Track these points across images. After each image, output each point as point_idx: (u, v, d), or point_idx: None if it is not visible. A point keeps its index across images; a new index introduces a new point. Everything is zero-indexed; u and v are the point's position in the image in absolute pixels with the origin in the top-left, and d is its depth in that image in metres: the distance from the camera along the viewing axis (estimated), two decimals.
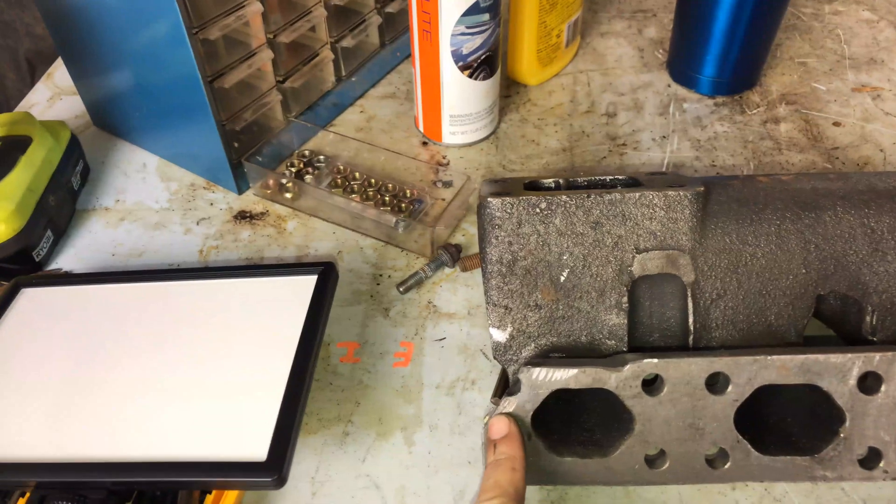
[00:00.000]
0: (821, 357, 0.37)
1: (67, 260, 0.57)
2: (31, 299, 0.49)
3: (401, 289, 0.53)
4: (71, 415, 0.41)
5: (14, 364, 0.45)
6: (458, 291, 0.53)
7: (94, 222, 0.60)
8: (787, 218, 0.42)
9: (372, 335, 0.50)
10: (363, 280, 0.54)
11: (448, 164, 0.64)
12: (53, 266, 0.56)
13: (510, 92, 0.71)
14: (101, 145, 0.67)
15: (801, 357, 0.37)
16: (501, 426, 0.38)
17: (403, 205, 0.59)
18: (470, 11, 0.56)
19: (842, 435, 0.38)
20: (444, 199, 0.60)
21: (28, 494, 0.38)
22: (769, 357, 0.37)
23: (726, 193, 0.44)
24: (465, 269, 0.54)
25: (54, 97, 0.74)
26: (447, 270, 0.55)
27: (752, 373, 0.37)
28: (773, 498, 0.41)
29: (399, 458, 0.43)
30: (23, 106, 0.73)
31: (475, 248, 0.56)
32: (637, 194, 0.41)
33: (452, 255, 0.54)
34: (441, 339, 0.50)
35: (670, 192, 0.41)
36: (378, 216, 0.57)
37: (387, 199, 0.59)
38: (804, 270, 0.42)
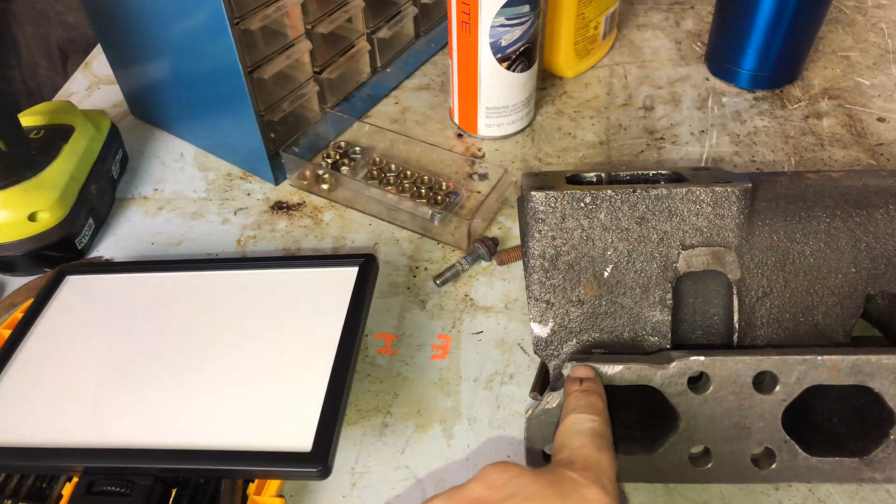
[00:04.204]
0: (873, 358, 0.36)
1: (108, 248, 0.58)
2: (74, 286, 0.50)
3: (437, 281, 0.53)
4: (116, 401, 0.41)
5: (60, 350, 0.45)
6: (494, 285, 0.53)
7: (133, 211, 0.61)
8: (837, 216, 0.42)
9: (409, 327, 0.50)
10: (400, 272, 0.54)
11: (483, 156, 0.64)
12: (95, 254, 0.57)
13: (546, 84, 0.71)
14: (140, 135, 0.68)
15: (853, 357, 0.36)
16: (587, 370, 0.38)
17: (439, 197, 0.58)
18: (510, 3, 0.56)
19: (892, 437, 0.37)
20: (479, 192, 0.60)
21: (75, 479, 0.39)
22: (819, 357, 0.36)
23: (774, 190, 0.43)
24: (501, 263, 0.54)
25: (92, 86, 0.75)
26: (483, 264, 0.55)
27: (801, 373, 0.37)
28: (817, 499, 0.40)
29: (438, 451, 0.44)
30: (61, 95, 0.74)
31: (511, 242, 0.56)
32: (684, 190, 0.41)
33: (489, 248, 0.54)
34: (478, 333, 0.50)
35: (718, 189, 0.41)
36: (414, 208, 0.56)
37: (422, 191, 0.59)
38: (854, 269, 0.41)
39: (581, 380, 0.38)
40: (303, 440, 0.37)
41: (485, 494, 0.32)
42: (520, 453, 0.43)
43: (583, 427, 0.35)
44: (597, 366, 0.38)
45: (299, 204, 0.60)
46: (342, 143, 0.65)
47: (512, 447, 0.44)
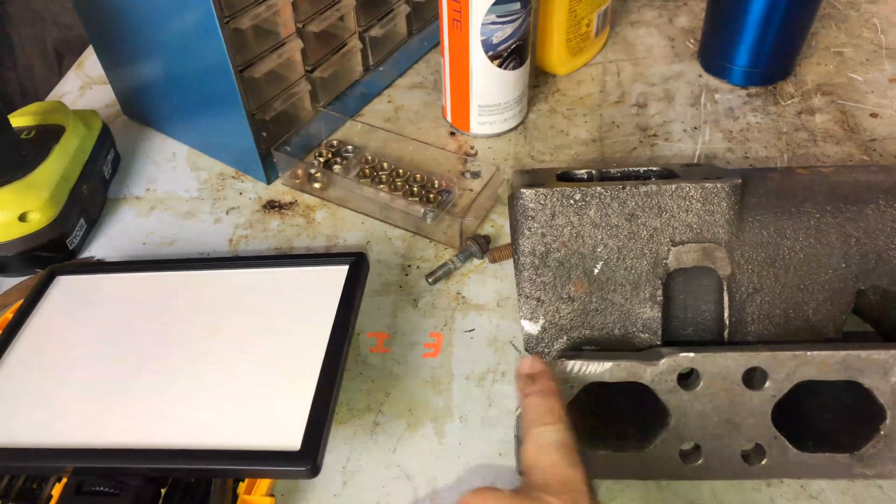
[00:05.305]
0: (863, 353, 0.36)
1: (100, 248, 0.58)
2: (65, 287, 0.50)
3: (430, 280, 0.53)
4: (106, 401, 0.41)
5: (50, 350, 0.45)
6: (486, 283, 0.53)
7: (125, 211, 0.61)
8: (827, 211, 0.42)
9: (401, 326, 0.50)
10: (392, 271, 0.54)
11: (476, 154, 0.64)
12: (86, 254, 0.57)
13: (539, 82, 0.71)
14: (132, 134, 0.67)
15: (843, 353, 0.36)
16: (535, 363, 0.37)
17: (432, 195, 0.58)
18: (501, 0, 0.55)
19: (882, 432, 0.37)
20: (472, 190, 0.60)
21: (65, 480, 0.39)
22: (809, 353, 0.36)
23: (764, 186, 0.43)
24: (493, 261, 0.54)
25: (85, 86, 0.74)
26: (476, 262, 0.54)
27: (791, 368, 0.37)
28: (808, 495, 0.40)
29: (430, 450, 0.43)
30: (54, 95, 0.74)
31: (504, 240, 0.56)
32: (673, 186, 0.41)
33: (481, 246, 0.54)
34: (470, 331, 0.50)
35: (707, 185, 0.41)
36: (406, 207, 0.56)
37: (415, 189, 0.59)
38: (844, 265, 0.41)
39: (534, 377, 0.37)
40: (292, 439, 0.37)
41: None
42: (511, 451, 0.43)
43: (549, 441, 0.34)
44: (586, 363, 0.38)
45: (291, 203, 0.60)
46: (334, 142, 0.64)
47: (503, 445, 0.43)
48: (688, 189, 0.41)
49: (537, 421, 0.35)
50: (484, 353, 0.48)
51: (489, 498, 0.32)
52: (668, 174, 0.44)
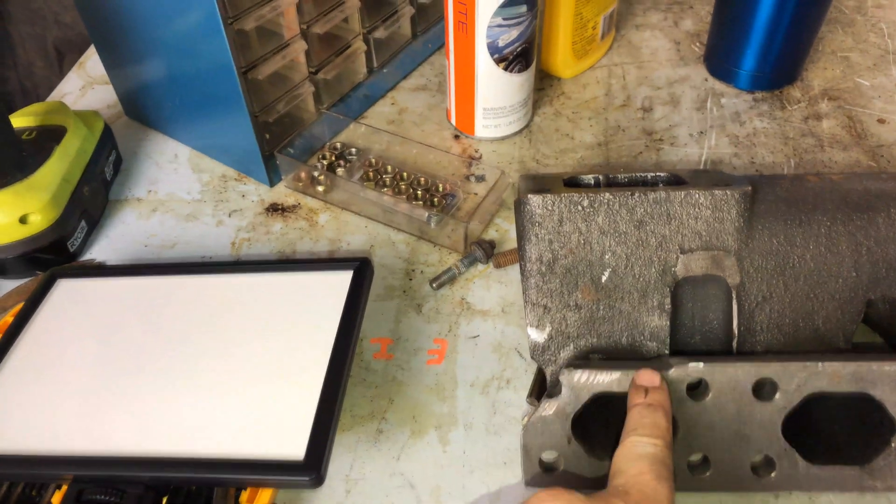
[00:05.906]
0: (874, 366, 0.36)
1: (101, 250, 0.57)
2: (66, 290, 0.49)
3: (434, 285, 0.52)
4: (107, 408, 0.41)
5: (50, 355, 0.45)
6: (491, 288, 0.52)
7: (126, 213, 0.60)
8: (837, 219, 0.41)
9: (405, 331, 0.50)
10: (396, 275, 0.54)
11: (481, 157, 0.63)
12: (87, 256, 0.56)
13: (544, 85, 0.70)
14: (133, 136, 0.67)
15: (854, 365, 0.36)
16: (654, 377, 0.37)
17: (436, 199, 0.58)
18: (507, 3, 0.55)
19: (893, 445, 0.37)
20: (476, 194, 0.59)
21: (65, 488, 0.38)
22: (820, 364, 0.36)
23: (774, 193, 0.43)
24: (498, 266, 0.54)
25: (86, 87, 0.74)
26: (480, 267, 0.54)
27: (801, 380, 0.36)
28: None
29: (434, 458, 0.43)
30: (55, 95, 0.73)
31: (509, 244, 0.55)
32: (683, 193, 0.40)
33: (486, 251, 0.53)
34: (475, 337, 0.49)
35: (717, 192, 0.40)
36: (410, 210, 0.56)
37: (419, 193, 0.58)
38: (854, 274, 0.41)
39: (646, 390, 0.36)
40: (295, 448, 0.36)
41: None
42: (516, 460, 0.42)
43: (643, 452, 0.33)
44: (594, 373, 0.37)
45: (294, 206, 0.60)
46: (338, 145, 0.64)
47: (509, 454, 0.43)
48: (697, 196, 0.40)
49: (637, 430, 0.34)
50: (489, 359, 0.48)
51: (562, 498, 0.31)
52: (676, 180, 0.44)
